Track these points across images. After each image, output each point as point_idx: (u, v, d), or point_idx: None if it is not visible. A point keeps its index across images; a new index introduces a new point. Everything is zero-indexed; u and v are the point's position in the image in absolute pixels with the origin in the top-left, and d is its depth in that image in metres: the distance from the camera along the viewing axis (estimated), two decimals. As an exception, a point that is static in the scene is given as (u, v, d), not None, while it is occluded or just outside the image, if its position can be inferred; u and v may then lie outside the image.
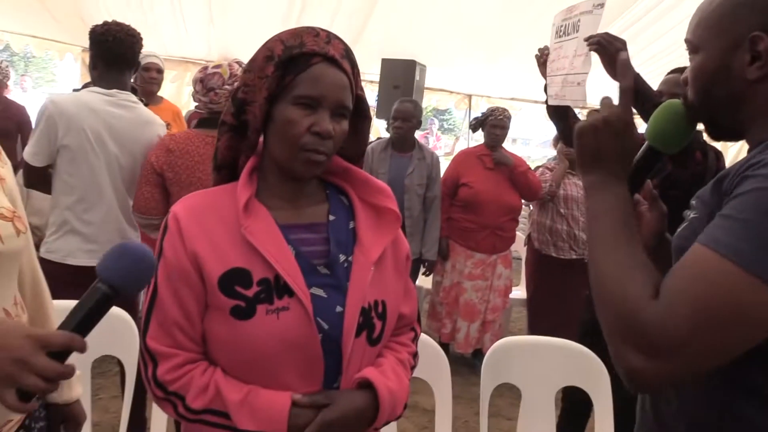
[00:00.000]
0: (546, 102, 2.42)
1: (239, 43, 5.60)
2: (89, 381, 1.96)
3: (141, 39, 2.34)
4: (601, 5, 1.96)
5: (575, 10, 2.09)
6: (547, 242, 3.88)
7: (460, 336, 3.94)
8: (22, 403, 0.82)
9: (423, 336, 1.96)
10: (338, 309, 1.06)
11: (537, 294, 3.94)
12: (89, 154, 2.22)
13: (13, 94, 7.39)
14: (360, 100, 1.13)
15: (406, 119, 3.63)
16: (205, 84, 2.19)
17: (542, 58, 2.38)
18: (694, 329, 0.77)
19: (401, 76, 6.02)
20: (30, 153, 2.22)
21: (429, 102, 8.06)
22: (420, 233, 3.75)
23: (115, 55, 2.27)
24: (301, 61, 1.02)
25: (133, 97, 2.35)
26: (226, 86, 2.19)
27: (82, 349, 0.84)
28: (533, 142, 25.07)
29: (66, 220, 2.26)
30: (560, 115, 2.41)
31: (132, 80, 3.86)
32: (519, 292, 4.44)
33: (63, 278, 2.06)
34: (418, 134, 4.11)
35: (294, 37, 1.04)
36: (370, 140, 4.62)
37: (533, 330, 3.92)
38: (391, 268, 1.17)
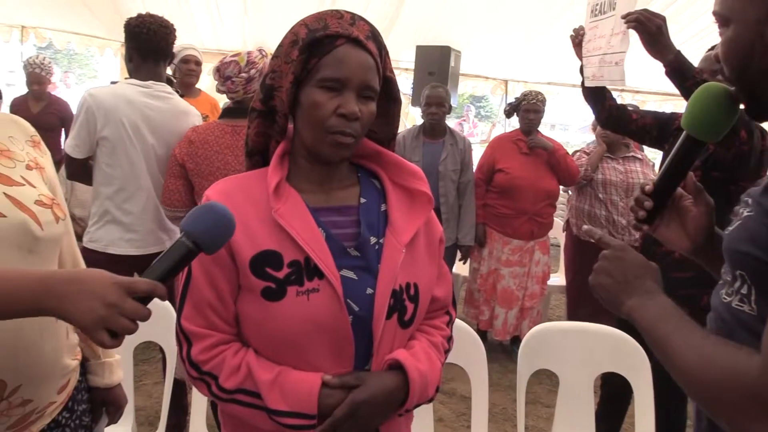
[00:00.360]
0: (582, 84, 2.36)
1: (273, 34, 5.63)
2: (131, 366, 2.01)
3: (174, 30, 2.37)
4: None
5: None
6: (585, 227, 3.81)
7: (498, 323, 3.91)
8: (114, 340, 0.89)
9: (460, 323, 1.94)
10: (369, 291, 1.06)
11: (576, 280, 3.87)
12: (127, 145, 2.26)
13: (58, 90, 7.61)
14: (389, 82, 1.12)
15: (440, 104, 3.60)
16: (221, 73, 2.20)
17: (577, 39, 2.32)
18: None
19: (436, 63, 5.99)
20: (70, 145, 2.28)
21: (465, 88, 7.98)
22: (456, 219, 3.73)
23: (149, 46, 2.30)
24: (325, 44, 1.01)
25: (169, 88, 2.38)
26: (242, 74, 2.19)
27: (163, 296, 0.90)
28: (572, 128, 24.66)
29: (107, 210, 2.32)
30: (596, 96, 2.35)
31: (171, 73, 3.94)
32: (558, 279, 4.38)
33: (105, 267, 2.08)
34: (453, 122, 4.07)
35: (318, 20, 1.03)
36: (405, 127, 4.59)
37: (573, 317, 3.86)
38: (423, 251, 1.16)
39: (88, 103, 2.22)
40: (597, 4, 2.14)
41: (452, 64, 6.18)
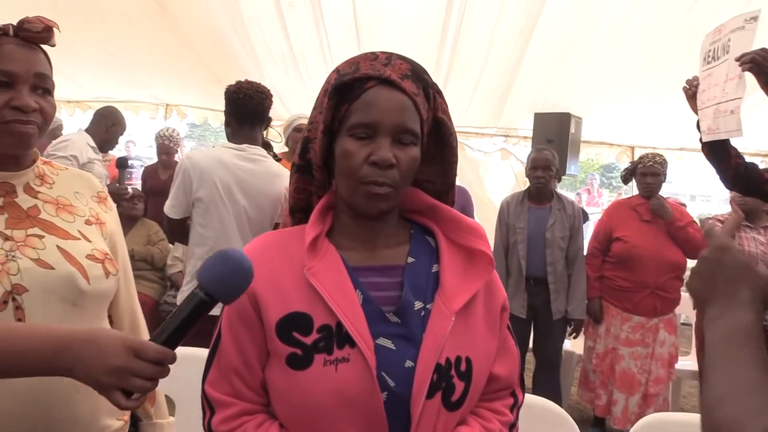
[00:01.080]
0: (700, 140, 2.10)
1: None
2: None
3: (270, 96, 2.44)
4: (755, 18, 1.66)
5: (724, 30, 1.80)
6: (722, 305, 3.37)
7: (617, 410, 3.49)
8: (131, 401, 0.88)
9: (544, 401, 1.71)
10: (408, 364, 0.92)
11: (711, 365, 3.41)
12: (219, 205, 2.32)
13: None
14: (441, 125, 1.01)
15: (547, 168, 3.40)
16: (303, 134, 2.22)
17: (691, 91, 2.08)
18: None
19: (555, 130, 5.86)
20: (168, 206, 2.37)
21: (587, 156, 7.64)
22: (565, 290, 3.45)
23: (246, 111, 2.38)
24: (354, 88, 0.93)
25: (263, 152, 2.43)
26: None
27: (173, 360, 0.88)
28: (715, 198, 22.79)
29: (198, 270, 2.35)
30: (718, 153, 2.07)
31: (283, 141, 4.08)
32: (689, 363, 3.88)
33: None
34: (570, 191, 3.85)
35: (350, 65, 0.96)
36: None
37: (708, 408, 3.37)
38: (481, 320, 1.01)
39: (185, 165, 2.32)
40: (710, 51, 1.92)
41: (572, 130, 5.97)
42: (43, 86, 1.12)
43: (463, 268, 1.01)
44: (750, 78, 1.69)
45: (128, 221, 4.15)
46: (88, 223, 1.22)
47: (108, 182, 3.89)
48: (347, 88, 0.93)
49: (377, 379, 0.89)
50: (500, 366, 1.05)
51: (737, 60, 1.69)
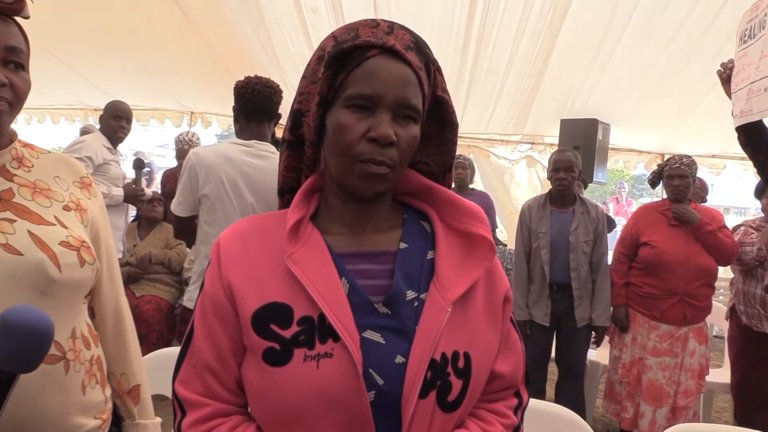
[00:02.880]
0: (736, 129, 1.96)
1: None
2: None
3: (280, 91, 2.37)
4: None
5: (762, 5, 1.68)
6: (759, 316, 3.19)
7: (644, 423, 3.33)
8: None
9: (564, 411, 1.60)
10: (399, 360, 0.82)
11: (749, 379, 3.23)
12: (225, 202, 2.25)
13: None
14: (441, 104, 0.92)
15: (569, 169, 3.28)
16: None
17: (725, 74, 1.95)
18: None
19: (582, 136, 5.74)
20: (175, 203, 2.31)
21: (615, 164, 7.46)
22: (589, 297, 3.31)
23: (254, 106, 2.31)
24: (354, 56, 0.84)
25: (272, 148, 2.36)
26: None
27: None
28: (751, 210, 22.20)
29: (204, 269, 2.29)
30: (755, 143, 1.92)
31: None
32: (722, 375, 3.69)
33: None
34: (598, 199, 3.72)
35: (348, 31, 0.87)
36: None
37: (743, 422, 3.18)
38: (481, 312, 0.91)
39: (192, 162, 2.26)
40: (746, 29, 1.78)
41: (600, 137, 5.84)
42: (15, 60, 1.05)
43: (462, 254, 0.92)
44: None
45: (147, 224, 4.14)
46: (66, 208, 1.15)
47: (125, 183, 3.87)
48: (346, 55, 0.85)
49: (363, 377, 0.80)
50: (503, 363, 0.95)
51: None
